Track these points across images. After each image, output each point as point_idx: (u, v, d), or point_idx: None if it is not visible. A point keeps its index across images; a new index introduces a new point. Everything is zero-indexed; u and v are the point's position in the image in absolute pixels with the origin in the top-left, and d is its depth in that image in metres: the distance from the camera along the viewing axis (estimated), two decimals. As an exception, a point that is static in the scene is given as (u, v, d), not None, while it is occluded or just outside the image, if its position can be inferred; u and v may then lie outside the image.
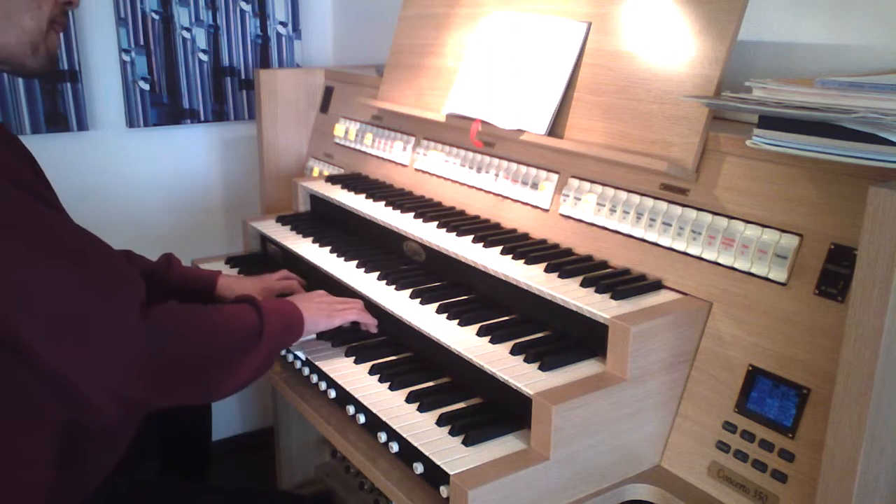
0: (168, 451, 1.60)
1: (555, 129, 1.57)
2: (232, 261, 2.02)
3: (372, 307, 1.56)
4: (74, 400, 1.12)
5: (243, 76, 2.63)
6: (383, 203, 1.85)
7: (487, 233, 1.60)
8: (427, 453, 1.19)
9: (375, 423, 1.32)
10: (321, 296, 1.55)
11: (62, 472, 1.19)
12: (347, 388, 1.40)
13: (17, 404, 1.13)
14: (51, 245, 1.10)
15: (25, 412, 1.14)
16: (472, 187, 1.79)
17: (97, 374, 1.11)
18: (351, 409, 1.38)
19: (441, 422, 1.27)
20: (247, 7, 2.58)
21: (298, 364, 1.55)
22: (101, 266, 1.17)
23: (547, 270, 1.41)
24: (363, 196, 1.92)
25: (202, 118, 2.58)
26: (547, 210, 1.59)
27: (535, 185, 1.62)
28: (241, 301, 1.40)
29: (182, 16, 2.47)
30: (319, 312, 1.48)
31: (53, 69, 1.31)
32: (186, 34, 2.49)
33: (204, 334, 1.27)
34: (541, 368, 1.24)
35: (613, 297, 1.29)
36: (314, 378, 1.50)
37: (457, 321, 1.41)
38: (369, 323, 1.55)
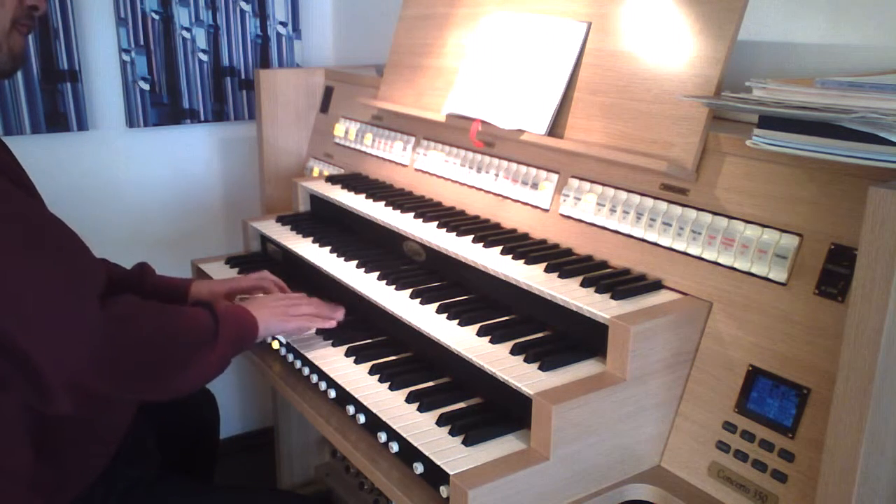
0: (173, 451, 1.60)
1: (555, 129, 1.57)
2: (232, 261, 2.02)
3: (372, 307, 1.55)
4: (30, 381, 1.11)
5: (243, 76, 2.62)
6: (383, 203, 1.85)
7: (487, 233, 1.60)
8: (427, 453, 1.19)
9: (375, 423, 1.32)
10: (277, 299, 1.56)
11: (43, 462, 1.19)
12: (347, 388, 1.40)
13: None
14: (16, 227, 1.10)
15: None
16: (472, 187, 1.79)
17: (54, 355, 1.11)
18: (351, 409, 1.38)
19: (441, 422, 1.27)
20: (247, 7, 2.58)
21: (298, 364, 1.55)
22: (65, 249, 1.17)
23: (547, 270, 1.41)
24: (363, 196, 1.92)
25: (202, 118, 2.58)
26: (547, 210, 1.59)
27: (535, 185, 1.62)
28: (198, 305, 1.42)
29: (182, 16, 2.47)
30: (273, 317, 1.49)
31: (17, 70, 1.32)
32: (186, 34, 2.49)
33: (159, 327, 1.28)
34: (541, 368, 1.24)
35: (613, 297, 1.29)
36: (314, 378, 1.50)
37: (457, 321, 1.41)
38: (332, 319, 1.55)
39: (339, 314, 1.58)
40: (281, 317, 1.50)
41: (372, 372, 1.44)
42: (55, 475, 1.23)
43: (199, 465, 1.79)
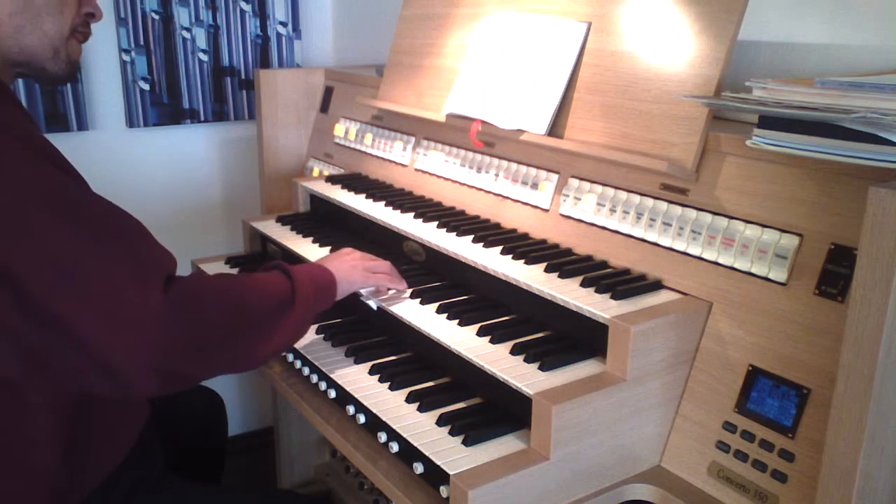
0: (178, 452, 1.60)
1: (555, 129, 1.57)
2: (232, 261, 2.02)
3: (371, 308, 1.55)
4: (106, 372, 1.09)
5: (243, 76, 2.63)
6: (383, 203, 1.85)
7: (487, 233, 1.60)
8: (427, 453, 1.19)
9: (375, 423, 1.32)
10: (351, 253, 1.54)
11: (63, 464, 1.19)
12: (347, 388, 1.40)
13: (26, 377, 1.11)
14: (76, 214, 1.10)
15: (33, 387, 1.13)
16: (472, 187, 1.79)
17: (125, 343, 1.09)
18: (351, 409, 1.38)
19: (441, 422, 1.27)
20: (247, 7, 2.58)
21: (298, 364, 1.55)
22: (125, 235, 1.16)
23: (547, 270, 1.41)
24: (363, 196, 1.92)
25: (202, 118, 2.58)
26: (547, 210, 1.59)
27: (535, 185, 1.62)
28: (272, 268, 1.39)
29: (182, 16, 2.47)
30: (353, 272, 1.47)
31: (74, 77, 1.35)
32: (186, 34, 2.49)
33: (234, 301, 1.25)
34: (541, 368, 1.24)
35: (613, 297, 1.29)
36: (314, 378, 1.50)
37: (457, 321, 1.41)
38: (401, 289, 1.54)
39: (405, 284, 1.56)
40: (362, 272, 1.48)
41: (372, 372, 1.44)
42: (71, 476, 1.22)
43: (206, 467, 1.79)
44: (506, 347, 1.31)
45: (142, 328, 1.10)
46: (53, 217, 1.07)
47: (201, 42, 2.52)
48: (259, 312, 1.27)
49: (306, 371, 1.52)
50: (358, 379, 1.43)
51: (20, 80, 2.23)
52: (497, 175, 1.72)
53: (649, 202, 1.40)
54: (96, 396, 1.23)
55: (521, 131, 1.60)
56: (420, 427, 1.27)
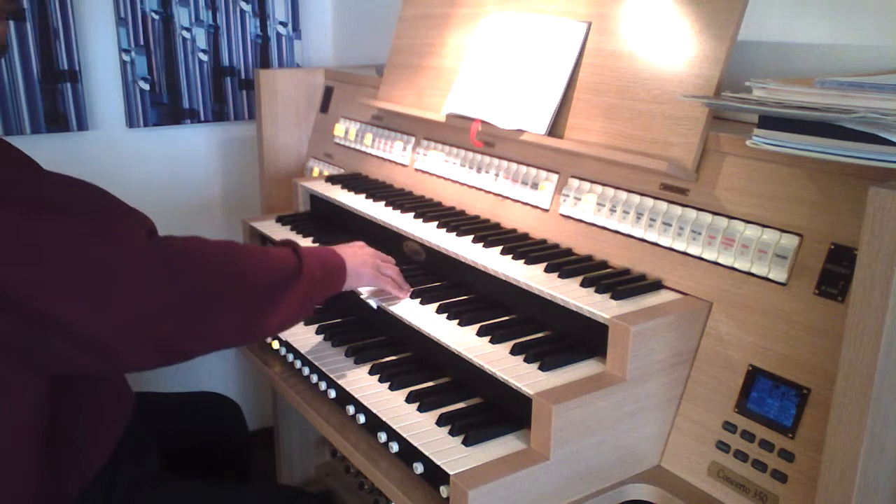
0: (199, 454, 1.60)
1: (555, 129, 1.57)
2: (232, 261, 2.01)
3: (371, 308, 1.56)
4: (95, 348, 1.06)
5: (243, 76, 2.62)
6: (383, 203, 1.85)
7: (487, 233, 1.60)
8: (427, 453, 1.19)
9: (375, 423, 1.32)
10: (363, 248, 1.52)
11: (47, 462, 1.18)
12: (347, 388, 1.40)
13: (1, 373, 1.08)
14: (35, 200, 1.05)
15: (7, 385, 1.09)
16: (472, 187, 1.79)
17: (110, 311, 1.05)
18: (351, 409, 1.38)
19: (441, 422, 1.27)
20: (247, 7, 2.58)
21: (298, 364, 1.55)
22: (90, 205, 1.11)
23: (547, 270, 1.41)
24: (363, 196, 1.92)
25: (202, 118, 2.58)
26: (547, 210, 1.59)
27: (535, 185, 1.62)
28: (282, 244, 1.36)
29: (182, 16, 2.47)
30: (364, 266, 1.45)
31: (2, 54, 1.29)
32: (186, 34, 2.49)
33: (229, 260, 1.21)
34: (541, 368, 1.24)
35: (613, 297, 1.29)
36: (314, 378, 1.50)
37: (457, 321, 1.41)
38: (404, 291, 1.53)
39: (408, 292, 1.54)
40: (373, 270, 1.47)
41: (372, 372, 1.44)
42: (55, 479, 1.21)
43: (225, 467, 1.78)
44: (506, 347, 1.31)
45: (125, 287, 1.06)
46: (13, 208, 1.03)
47: (201, 42, 2.52)
48: (260, 280, 1.23)
49: (306, 371, 1.52)
50: (358, 379, 1.43)
51: (20, 80, 2.23)
52: (497, 175, 1.72)
53: (649, 202, 1.40)
54: (79, 387, 1.20)
55: (521, 131, 1.60)
56: (420, 427, 1.27)
